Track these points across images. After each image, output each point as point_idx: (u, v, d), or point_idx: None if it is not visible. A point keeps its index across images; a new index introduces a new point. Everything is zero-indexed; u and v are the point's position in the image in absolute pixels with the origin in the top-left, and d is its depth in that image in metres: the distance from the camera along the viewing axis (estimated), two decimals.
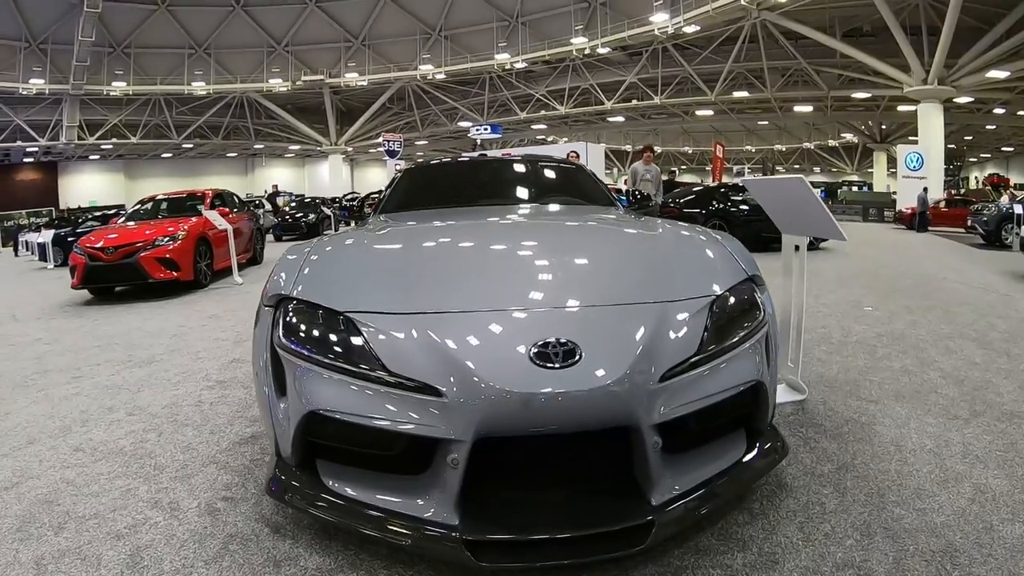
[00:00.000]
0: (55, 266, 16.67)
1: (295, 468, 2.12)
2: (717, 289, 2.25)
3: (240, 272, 10.62)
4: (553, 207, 3.86)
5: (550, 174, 4.59)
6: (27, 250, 21.96)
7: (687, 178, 53.66)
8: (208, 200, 11.12)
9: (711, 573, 1.97)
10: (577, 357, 1.85)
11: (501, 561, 1.80)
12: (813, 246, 11.99)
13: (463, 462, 1.80)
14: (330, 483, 2.04)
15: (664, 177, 13.14)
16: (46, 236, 17.90)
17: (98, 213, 23.47)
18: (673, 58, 35.41)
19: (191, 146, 47.87)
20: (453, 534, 1.79)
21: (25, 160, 44.77)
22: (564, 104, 41.24)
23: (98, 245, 8.96)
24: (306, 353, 2.05)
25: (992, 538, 2.14)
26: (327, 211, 23.00)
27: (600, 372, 1.84)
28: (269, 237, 20.26)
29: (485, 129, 39.28)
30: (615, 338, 1.97)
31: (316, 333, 2.09)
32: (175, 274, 9.10)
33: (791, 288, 3.65)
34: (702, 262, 2.50)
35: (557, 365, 1.82)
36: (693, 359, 2.00)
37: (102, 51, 38.75)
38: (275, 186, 47.73)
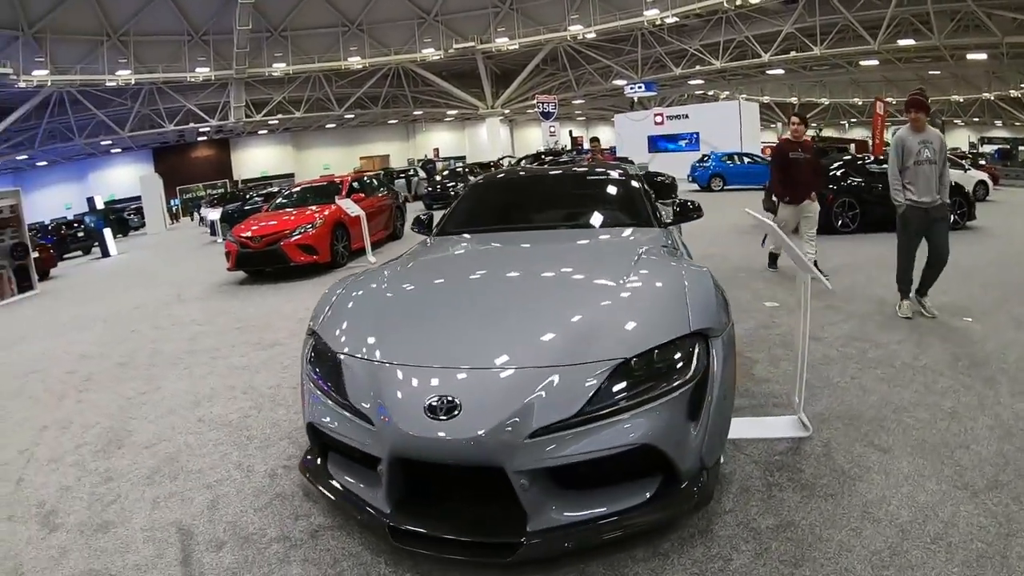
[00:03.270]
0: (223, 240, 19.25)
1: (315, 455, 3.11)
2: (633, 351, 2.61)
3: (379, 249, 12.17)
4: (578, 240, 4.32)
5: (596, 193, 5.14)
6: (203, 224, 25.42)
7: (856, 133, 50.22)
8: (345, 188, 12.70)
9: None
10: (456, 412, 2.45)
11: (410, 545, 2.54)
12: (958, 225, 10.57)
13: (386, 472, 2.58)
14: (330, 469, 3.00)
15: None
16: (215, 214, 20.74)
17: (263, 190, 26.51)
18: (831, 4, 33.45)
19: (353, 116, 51.87)
20: (384, 519, 2.58)
21: (199, 139, 50.93)
22: (720, 58, 40.28)
23: (247, 234, 10.74)
24: (313, 378, 3.01)
25: None
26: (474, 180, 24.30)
27: (472, 426, 2.41)
28: (419, 205, 21.89)
29: (639, 87, 39.36)
30: (494, 399, 2.48)
31: (320, 367, 3.02)
32: (314, 257, 10.69)
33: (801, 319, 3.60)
34: (646, 317, 2.83)
35: (441, 417, 2.45)
36: (568, 421, 2.43)
37: (260, 36, 43.19)
38: (436, 150, 50.70)
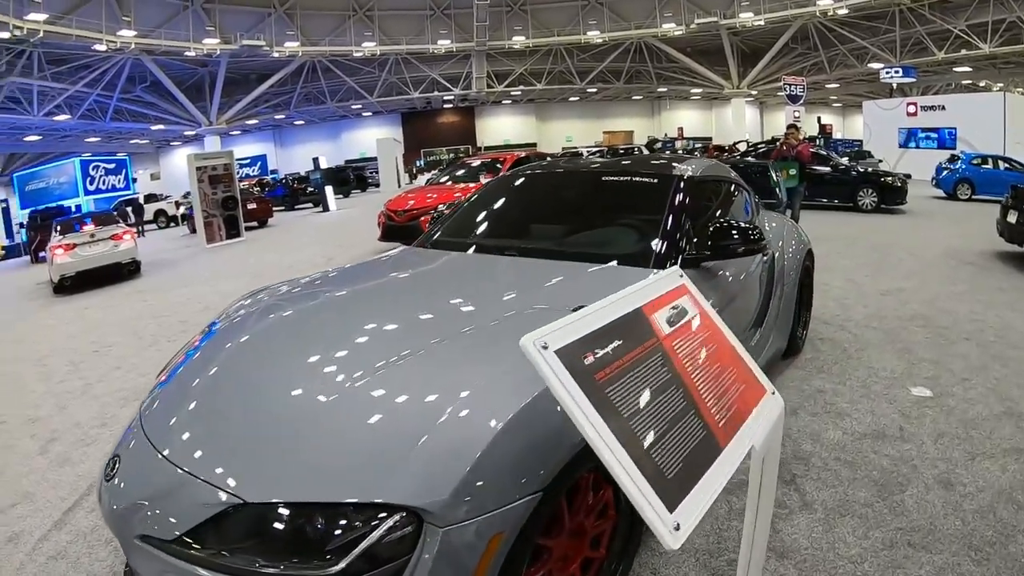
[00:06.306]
0: None
1: None
2: (257, 496, 1.82)
3: None
4: (503, 280, 3.26)
5: (604, 209, 4.04)
6: None
7: None
8: (505, 167, 13.20)
9: None
10: (113, 475, 2.18)
11: None
12: None
13: None
14: None
15: None
16: (421, 181, 22.50)
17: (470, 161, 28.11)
18: None
19: (595, 90, 52.69)
20: None
21: (445, 105, 55.09)
22: (988, 42, 35.09)
23: (398, 208, 11.65)
24: None
25: None
26: None
27: (108, 493, 2.14)
28: None
29: (897, 72, 35.70)
30: (129, 478, 2.14)
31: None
32: None
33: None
34: (329, 448, 1.91)
35: (107, 471, 2.24)
36: (165, 542, 1.89)
37: (500, 11, 45.82)
38: (680, 130, 49.46)
